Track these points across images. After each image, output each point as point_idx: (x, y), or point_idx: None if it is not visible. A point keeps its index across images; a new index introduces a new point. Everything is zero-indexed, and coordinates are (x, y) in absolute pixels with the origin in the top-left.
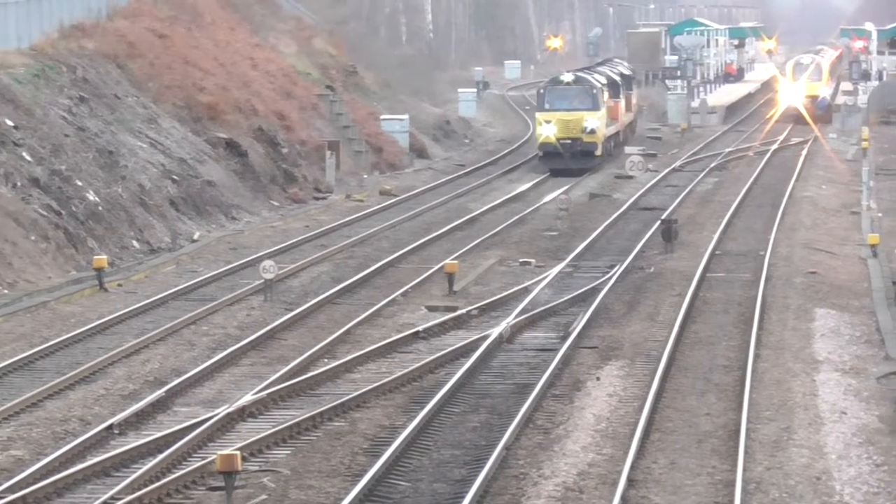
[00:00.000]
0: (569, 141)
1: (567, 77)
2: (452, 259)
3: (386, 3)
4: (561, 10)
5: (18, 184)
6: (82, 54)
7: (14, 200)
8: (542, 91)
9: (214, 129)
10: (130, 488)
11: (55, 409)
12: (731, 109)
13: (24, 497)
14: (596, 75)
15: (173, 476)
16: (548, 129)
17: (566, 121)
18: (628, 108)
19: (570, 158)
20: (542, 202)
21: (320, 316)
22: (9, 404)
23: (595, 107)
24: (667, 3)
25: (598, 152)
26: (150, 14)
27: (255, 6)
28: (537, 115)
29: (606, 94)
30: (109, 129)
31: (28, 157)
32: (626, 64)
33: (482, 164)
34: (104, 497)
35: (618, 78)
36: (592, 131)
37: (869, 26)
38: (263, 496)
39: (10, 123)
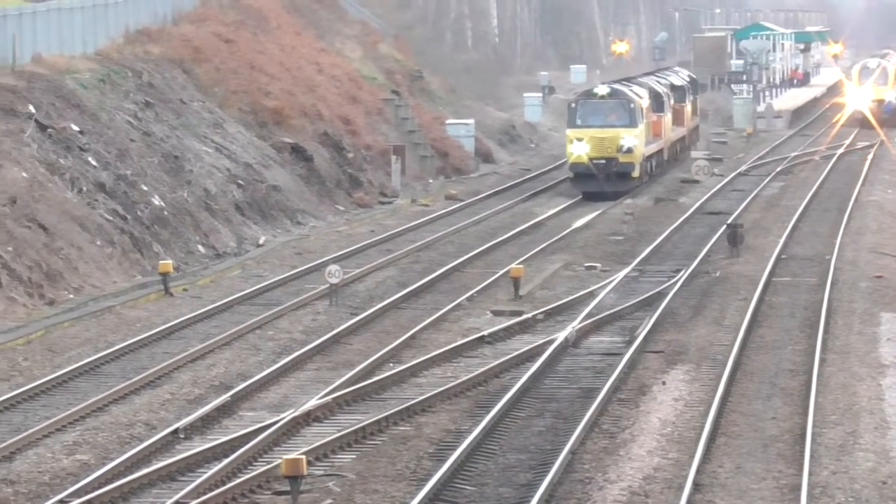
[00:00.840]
0: (603, 161)
1: (601, 90)
2: (518, 263)
3: (451, 7)
4: (626, 15)
5: (84, 189)
6: (148, 59)
7: (80, 205)
8: (573, 105)
9: (280, 133)
10: (196, 493)
11: (121, 414)
12: (797, 114)
13: (90, 501)
14: (635, 88)
15: (239, 480)
16: (579, 147)
17: (600, 138)
18: (678, 121)
19: (604, 181)
20: (608, 207)
21: (386, 320)
22: (75, 409)
23: (632, 123)
24: (733, 8)
25: (636, 174)
26: (216, 19)
27: (320, 11)
28: (568, 131)
29: (647, 109)
30: (175, 133)
31: (94, 162)
32: (682, 72)
33: (547, 168)
34: (169, 501)
35: (664, 89)
36: (629, 150)
37: None
38: (329, 500)
39: (75, 128)
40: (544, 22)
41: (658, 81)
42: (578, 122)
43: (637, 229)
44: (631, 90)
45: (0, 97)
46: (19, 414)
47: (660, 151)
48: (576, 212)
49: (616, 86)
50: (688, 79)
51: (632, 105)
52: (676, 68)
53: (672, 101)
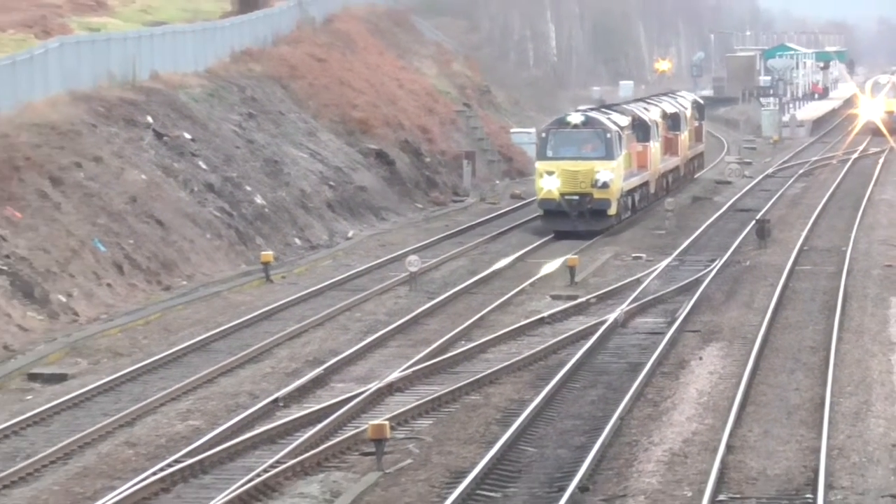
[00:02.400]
0: (576, 197)
1: (575, 118)
2: (574, 254)
3: (515, 30)
4: (668, 37)
5: (195, 189)
6: (250, 76)
7: (192, 203)
8: (544, 135)
9: (366, 141)
10: (293, 454)
11: (228, 385)
12: (817, 123)
13: (201, 461)
14: (615, 115)
15: (330, 443)
16: (549, 181)
17: (573, 172)
18: (670, 151)
19: (576, 219)
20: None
21: (458, 304)
22: (187, 380)
23: (609, 155)
24: (761, 30)
25: (612, 211)
26: (310, 41)
27: (400, 34)
28: (537, 164)
29: (629, 138)
30: (274, 141)
31: (204, 166)
32: (684, 97)
33: None
34: (270, 461)
35: (652, 117)
36: (605, 185)
37: None
38: (409, 460)
39: (188, 136)
40: (596, 43)
41: (645, 108)
42: (549, 153)
43: (677, 224)
44: (609, 118)
45: (122, 109)
46: (139, 385)
47: (644, 184)
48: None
49: (592, 113)
50: (688, 104)
51: (608, 135)
52: (682, 92)
53: (664, 129)
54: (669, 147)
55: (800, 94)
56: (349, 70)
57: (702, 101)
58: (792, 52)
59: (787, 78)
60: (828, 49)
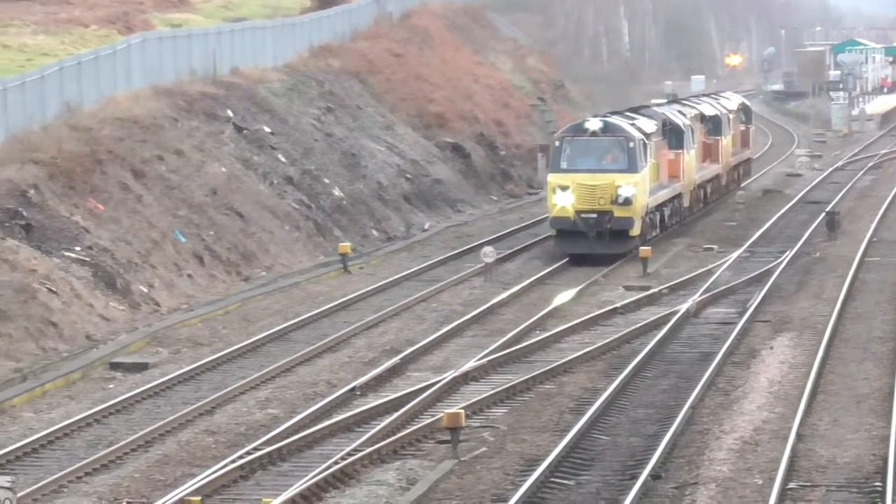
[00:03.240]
0: (593, 215)
1: (593, 124)
2: (645, 245)
3: (589, 26)
4: (739, 32)
5: (275, 182)
6: (329, 71)
7: (271, 196)
8: (557, 143)
9: (442, 134)
10: (370, 441)
11: (306, 374)
12: (886, 117)
13: (279, 449)
14: (642, 121)
15: (407, 431)
16: (563, 197)
17: (590, 186)
18: (710, 158)
19: (594, 240)
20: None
21: (532, 294)
22: (266, 370)
23: (632, 167)
24: (831, 25)
25: (635, 231)
26: (388, 36)
27: (476, 30)
28: (549, 177)
29: (657, 146)
30: (352, 135)
31: (283, 159)
32: (728, 98)
33: None
34: (347, 449)
35: (686, 121)
36: (627, 202)
37: None
38: (484, 448)
39: (267, 130)
40: (669, 38)
41: (681, 111)
42: (564, 164)
43: (748, 216)
44: (633, 124)
45: (203, 103)
46: (219, 374)
47: (676, 197)
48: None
49: (613, 119)
50: (733, 106)
51: (631, 144)
52: (727, 93)
53: (702, 134)
54: (709, 154)
55: (869, 89)
56: (426, 65)
57: (749, 104)
58: (861, 48)
59: (857, 72)
60: None
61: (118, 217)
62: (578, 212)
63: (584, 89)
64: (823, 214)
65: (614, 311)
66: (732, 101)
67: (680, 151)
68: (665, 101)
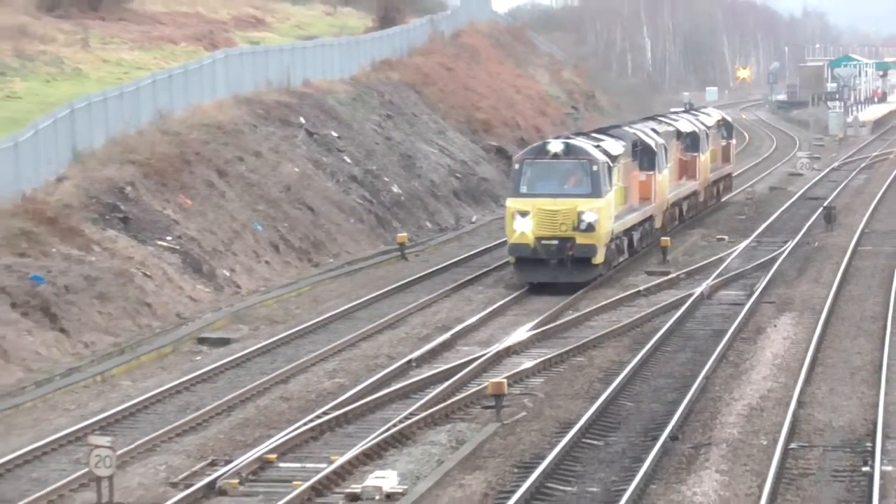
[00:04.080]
0: (554, 242)
1: (555, 146)
2: (665, 236)
3: (617, 44)
4: (748, 48)
5: (341, 180)
6: (388, 83)
7: (338, 192)
8: (517, 166)
9: (487, 138)
10: (424, 407)
11: (368, 348)
12: (877, 123)
13: (345, 413)
14: (608, 142)
15: (457, 398)
16: (523, 223)
17: (551, 212)
18: (687, 174)
19: (555, 268)
20: (733, 193)
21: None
22: (333, 344)
23: (595, 191)
24: (829, 43)
25: (598, 259)
26: (440, 52)
27: (518, 46)
28: (508, 202)
29: (626, 168)
30: (409, 139)
31: (348, 160)
32: (707, 114)
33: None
34: (404, 413)
35: (658, 139)
36: (589, 228)
37: None
38: (524, 413)
39: (335, 135)
40: (686, 53)
41: (654, 129)
42: (524, 188)
43: (756, 210)
44: (598, 146)
45: (279, 111)
46: (292, 348)
47: (648, 220)
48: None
49: (576, 141)
50: (712, 122)
51: (594, 167)
52: (708, 109)
53: (678, 152)
54: (685, 171)
55: (862, 99)
56: (473, 78)
57: (729, 119)
58: (855, 63)
59: (851, 84)
60: (887, 60)
61: (204, 210)
62: (539, 238)
63: (612, 99)
64: (821, 209)
65: (638, 293)
66: (712, 117)
67: (652, 172)
68: (644, 118)
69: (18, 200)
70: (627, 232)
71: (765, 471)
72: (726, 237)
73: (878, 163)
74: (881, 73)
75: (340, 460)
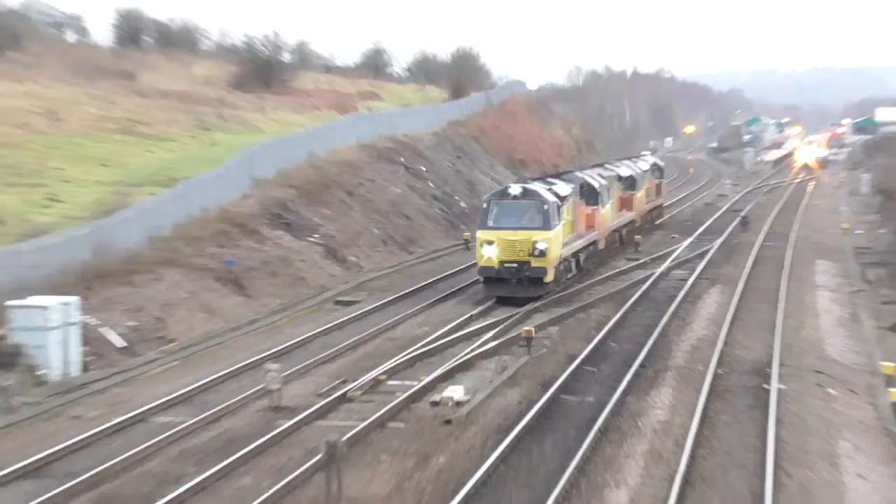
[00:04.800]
0: (514, 265)
1: (514, 190)
2: (637, 235)
3: (606, 109)
4: (693, 112)
5: (427, 198)
6: (457, 135)
7: (425, 206)
8: (485, 205)
9: (522, 171)
10: (480, 345)
11: (444, 308)
12: (776, 162)
13: (430, 349)
14: (559, 185)
15: (501, 340)
16: (489, 250)
17: (511, 241)
18: (625, 207)
19: (515, 285)
20: (688, 204)
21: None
22: (421, 305)
23: (546, 225)
24: (745, 109)
25: (548, 279)
26: (492, 115)
27: (542, 111)
28: (479, 233)
29: (574, 205)
30: (471, 171)
31: (431, 185)
32: (645, 160)
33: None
34: (467, 350)
35: (602, 182)
36: (541, 254)
37: (846, 121)
38: (544, 350)
39: (423, 168)
40: (652, 116)
41: (600, 174)
42: (490, 223)
43: (696, 219)
44: (550, 189)
45: (386, 153)
46: (396, 307)
47: (593, 243)
48: (672, 207)
49: (532, 185)
50: (647, 167)
51: (545, 206)
52: (646, 156)
53: (619, 191)
54: (625, 205)
55: (766, 145)
56: (513, 131)
57: (661, 164)
58: (763, 122)
59: (759, 136)
60: (783, 120)
61: (338, 218)
62: (502, 262)
63: (604, 145)
64: (739, 218)
65: (621, 273)
66: (647, 162)
67: (596, 207)
68: (594, 165)
69: (219, 211)
70: (575, 254)
71: (701, 387)
72: (677, 235)
73: (777, 188)
74: (778, 129)
75: (426, 379)
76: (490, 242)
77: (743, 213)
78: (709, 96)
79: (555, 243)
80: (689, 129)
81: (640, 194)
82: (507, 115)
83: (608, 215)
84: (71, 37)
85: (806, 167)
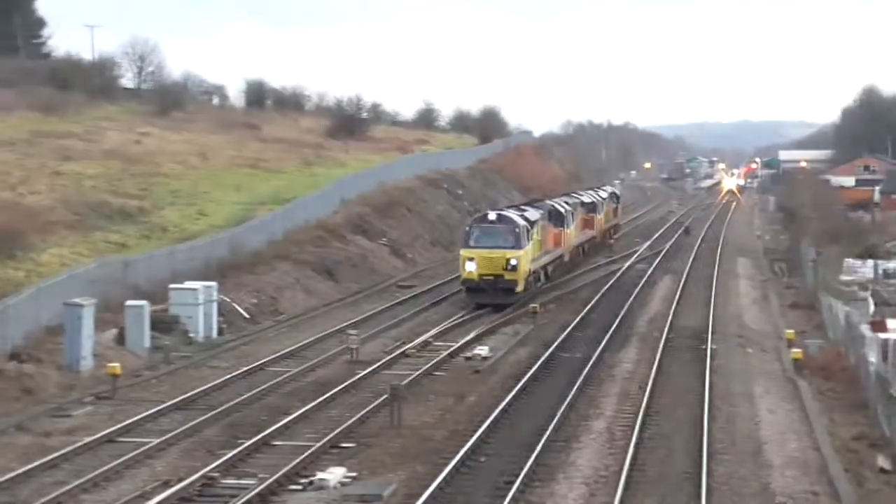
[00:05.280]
0: (491, 277)
1: (492, 216)
2: (611, 239)
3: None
4: (650, 152)
5: (462, 213)
6: (484, 169)
7: (461, 219)
8: (467, 228)
9: (530, 194)
10: (501, 317)
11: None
12: (709, 189)
13: (462, 320)
14: (530, 211)
15: (515, 313)
16: (471, 265)
17: (488, 258)
18: (587, 227)
19: (492, 294)
20: (647, 218)
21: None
22: (457, 289)
23: (517, 245)
24: (686, 150)
25: (519, 289)
26: (508, 155)
27: (543, 152)
28: (462, 251)
29: (543, 228)
30: (494, 194)
31: (466, 204)
32: (606, 189)
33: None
34: (491, 322)
35: (567, 207)
36: (514, 268)
37: (757, 159)
38: (546, 320)
39: (460, 192)
40: (621, 154)
41: (566, 201)
42: (471, 243)
43: (652, 229)
44: (521, 215)
45: (434, 181)
46: (440, 289)
47: (559, 257)
48: (643, 219)
49: (506, 212)
50: (606, 195)
51: (517, 229)
52: (607, 186)
53: (582, 214)
54: (587, 225)
55: (702, 176)
56: (524, 167)
57: (618, 192)
58: (699, 161)
59: (696, 170)
60: (713, 159)
61: (400, 227)
62: (480, 275)
63: (588, 176)
64: (683, 227)
65: (598, 266)
66: (607, 191)
67: (562, 228)
68: (563, 193)
69: (316, 222)
70: (544, 267)
71: (657, 347)
72: (639, 239)
73: (711, 207)
74: (710, 165)
75: (462, 341)
76: (471, 259)
77: (686, 224)
78: (660, 141)
79: (525, 259)
80: (647, 164)
81: (600, 216)
82: (519, 155)
83: (572, 234)
84: (215, 100)
85: (730, 192)
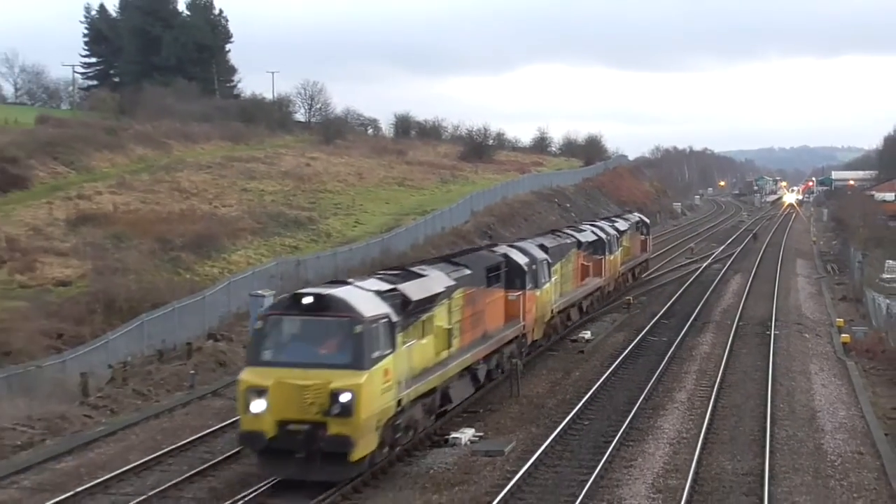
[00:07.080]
0: (304, 426)
1: (306, 299)
2: (692, 244)
3: (674, 172)
4: (724, 172)
5: (570, 222)
6: (588, 186)
7: (562, 221)
8: (260, 324)
9: (626, 207)
10: (602, 307)
11: None
12: (773, 202)
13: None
14: (434, 273)
15: (613, 304)
16: (258, 404)
17: (294, 387)
18: (597, 272)
19: (302, 463)
20: (721, 227)
21: (667, 260)
22: None
23: (357, 359)
24: (754, 171)
25: (355, 456)
26: (608, 175)
27: (637, 172)
28: (243, 374)
29: (463, 298)
30: (596, 207)
31: (573, 215)
32: (627, 219)
33: (708, 215)
34: (594, 310)
35: (545, 256)
36: (345, 410)
37: (814, 178)
38: (638, 310)
39: (568, 205)
40: (700, 175)
41: (542, 245)
42: (265, 355)
43: (724, 236)
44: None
45: (547, 196)
46: None
47: (516, 338)
48: (720, 229)
49: (335, 290)
50: (625, 227)
51: (357, 327)
52: (627, 216)
53: (582, 259)
54: (587, 272)
55: (767, 192)
56: (620, 185)
57: (646, 220)
58: (765, 179)
59: (763, 187)
60: (777, 178)
61: (519, 233)
62: (281, 423)
63: (675, 193)
64: (751, 234)
65: (681, 266)
66: (629, 221)
67: (521, 293)
68: (543, 232)
69: (451, 230)
70: (471, 368)
71: (730, 332)
72: (715, 244)
73: (778, 216)
74: (774, 183)
75: (570, 327)
76: (260, 390)
77: (754, 231)
78: (733, 164)
79: (373, 389)
80: (722, 182)
81: (612, 257)
82: (617, 175)
83: (547, 297)
84: (370, 130)
85: (790, 205)
